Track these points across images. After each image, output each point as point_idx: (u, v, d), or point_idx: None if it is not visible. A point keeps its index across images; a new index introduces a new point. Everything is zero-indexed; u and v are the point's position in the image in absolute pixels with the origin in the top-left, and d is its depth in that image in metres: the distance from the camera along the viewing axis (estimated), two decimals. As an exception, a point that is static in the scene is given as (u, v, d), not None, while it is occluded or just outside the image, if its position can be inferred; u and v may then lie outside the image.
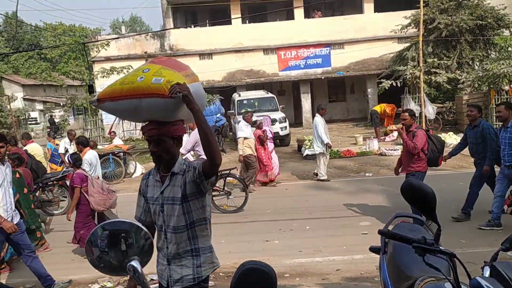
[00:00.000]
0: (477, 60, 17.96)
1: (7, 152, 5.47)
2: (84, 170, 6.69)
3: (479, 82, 16.33)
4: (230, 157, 15.43)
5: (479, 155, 6.76)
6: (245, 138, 9.87)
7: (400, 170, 7.16)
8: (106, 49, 21.43)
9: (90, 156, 7.63)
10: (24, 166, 7.55)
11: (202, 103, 2.80)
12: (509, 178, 6.19)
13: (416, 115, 15.73)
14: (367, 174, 11.04)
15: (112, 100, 2.58)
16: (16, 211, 5.19)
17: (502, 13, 17.95)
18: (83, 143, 7.73)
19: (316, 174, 10.68)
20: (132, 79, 2.54)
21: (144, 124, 2.65)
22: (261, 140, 10.12)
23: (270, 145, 10.64)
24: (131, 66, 18.75)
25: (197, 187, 2.52)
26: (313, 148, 13.41)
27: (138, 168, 13.48)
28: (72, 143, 11.78)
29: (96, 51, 21.58)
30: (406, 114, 6.74)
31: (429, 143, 6.57)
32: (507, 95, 15.51)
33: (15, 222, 5.00)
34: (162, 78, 2.46)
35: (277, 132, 15.70)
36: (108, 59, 21.82)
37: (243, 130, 9.93)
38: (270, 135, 10.77)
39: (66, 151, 11.35)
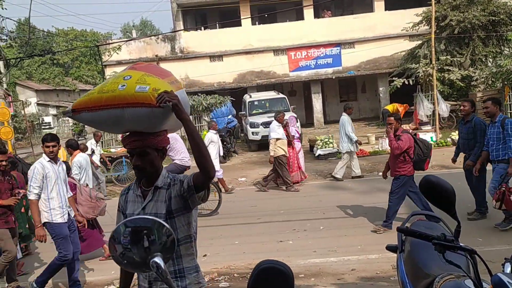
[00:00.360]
0: (490, 56, 17.72)
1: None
2: (73, 178, 6.61)
3: (493, 79, 16.13)
4: (242, 158, 15.46)
5: (470, 151, 6.67)
6: (277, 139, 9.78)
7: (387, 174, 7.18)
8: (118, 53, 21.62)
9: (79, 158, 7.59)
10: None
11: (187, 111, 2.63)
12: (499, 174, 6.11)
13: (430, 113, 15.60)
14: (380, 174, 10.92)
15: (89, 111, 2.36)
16: (71, 207, 5.39)
17: (515, 8, 17.68)
18: (72, 146, 7.66)
19: (359, 176, 10.58)
20: (113, 87, 2.32)
21: (124, 136, 2.45)
22: (288, 140, 10.08)
23: (298, 144, 10.61)
24: (143, 70, 18.82)
25: (183, 202, 2.33)
26: (324, 148, 13.49)
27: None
28: (98, 144, 12.03)
29: (108, 55, 21.79)
30: (392, 118, 6.72)
31: (415, 147, 6.54)
32: (522, 91, 15.31)
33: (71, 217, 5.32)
34: (147, 86, 2.27)
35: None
36: (119, 63, 21.99)
37: (276, 131, 9.83)
38: (297, 135, 10.69)
39: (93, 152, 11.45)
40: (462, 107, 6.90)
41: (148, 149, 2.34)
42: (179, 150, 7.94)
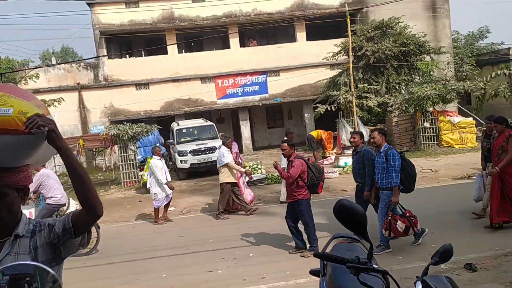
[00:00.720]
0: (403, 84, 19.11)
1: None
2: None
3: (406, 105, 17.36)
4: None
5: (362, 179, 7.03)
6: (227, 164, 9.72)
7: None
8: (35, 81, 20.47)
9: None
10: None
11: None
12: (384, 202, 6.43)
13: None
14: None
15: None
16: None
17: (423, 40, 19.40)
18: None
19: None
20: None
21: None
22: None
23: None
24: (63, 99, 18.00)
25: (53, 251, 1.91)
26: (253, 174, 13.59)
27: (72, 205, 12.70)
28: None
29: (24, 83, 20.54)
30: (285, 144, 7.01)
31: (308, 171, 6.80)
32: (432, 116, 16.62)
33: None
34: (11, 109, 1.84)
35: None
36: (37, 91, 20.78)
37: (226, 156, 9.77)
38: (240, 160, 10.74)
39: None
40: (352, 139, 7.31)
41: (5, 189, 1.87)
42: (52, 187, 7.55)
